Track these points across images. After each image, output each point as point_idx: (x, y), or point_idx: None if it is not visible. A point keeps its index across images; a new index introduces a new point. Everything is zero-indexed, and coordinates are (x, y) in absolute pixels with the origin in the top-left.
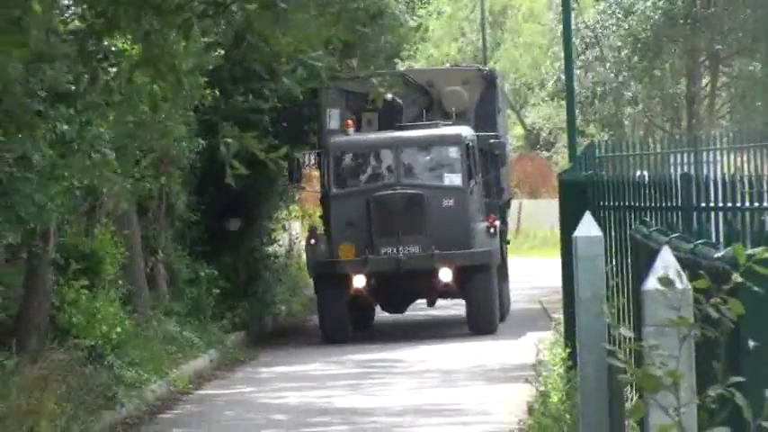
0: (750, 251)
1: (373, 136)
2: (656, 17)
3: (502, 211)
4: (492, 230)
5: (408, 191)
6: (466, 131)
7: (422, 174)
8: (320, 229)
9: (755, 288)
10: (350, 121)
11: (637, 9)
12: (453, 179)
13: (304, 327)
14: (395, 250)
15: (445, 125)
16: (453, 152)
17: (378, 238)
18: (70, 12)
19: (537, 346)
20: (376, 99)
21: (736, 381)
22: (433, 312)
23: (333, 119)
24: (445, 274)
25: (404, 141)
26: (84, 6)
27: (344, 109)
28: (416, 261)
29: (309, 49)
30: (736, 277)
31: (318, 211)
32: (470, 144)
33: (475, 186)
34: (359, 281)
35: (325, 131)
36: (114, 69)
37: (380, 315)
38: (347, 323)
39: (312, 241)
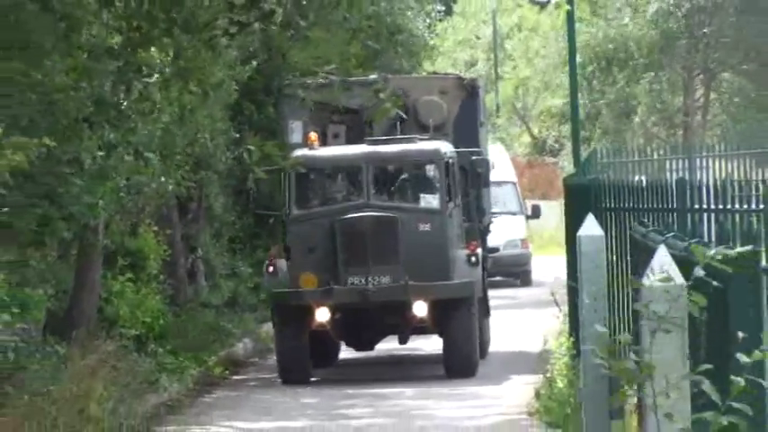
0: (740, 249)
1: (340, 151)
2: (653, 33)
3: (483, 235)
4: (473, 259)
5: (379, 213)
6: (445, 147)
7: (395, 194)
8: (280, 256)
9: (714, 282)
10: (313, 135)
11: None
12: (430, 201)
13: None
14: (363, 280)
15: (422, 140)
16: (431, 170)
17: (344, 266)
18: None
19: (544, 336)
20: (375, 117)
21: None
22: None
23: (295, 132)
24: (420, 308)
25: (375, 158)
26: (122, 22)
27: (308, 121)
28: (387, 293)
29: (326, 65)
30: (698, 271)
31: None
32: (450, 161)
33: (455, 209)
34: (322, 314)
35: (287, 146)
36: (147, 81)
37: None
38: (307, 363)
39: (270, 269)
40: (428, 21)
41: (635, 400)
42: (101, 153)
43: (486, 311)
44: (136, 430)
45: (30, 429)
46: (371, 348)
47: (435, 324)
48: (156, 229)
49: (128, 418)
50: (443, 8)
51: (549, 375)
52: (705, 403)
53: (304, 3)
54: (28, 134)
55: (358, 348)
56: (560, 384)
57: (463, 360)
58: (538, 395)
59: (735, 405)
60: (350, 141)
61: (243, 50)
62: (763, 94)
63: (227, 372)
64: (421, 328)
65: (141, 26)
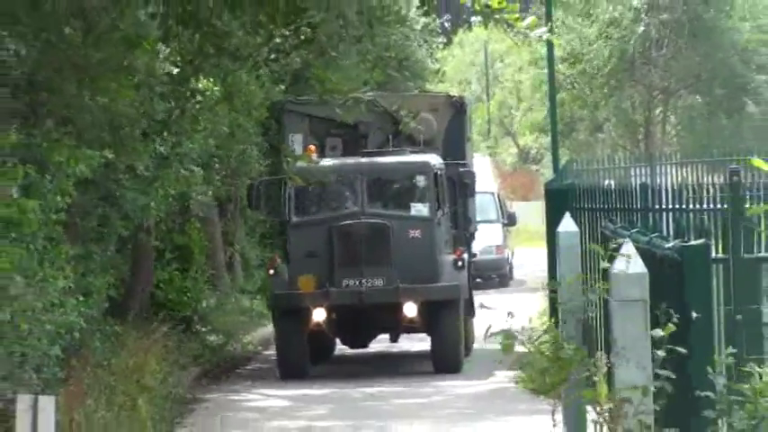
0: (694, 243)
1: (337, 162)
2: (613, 58)
3: (468, 241)
4: (460, 264)
5: (373, 220)
6: (434, 159)
7: (387, 203)
8: (280, 259)
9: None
10: (313, 147)
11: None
12: (420, 209)
13: None
14: (357, 283)
15: (413, 152)
16: (421, 181)
17: (340, 269)
18: (165, 58)
19: (529, 315)
20: (403, 128)
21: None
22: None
23: (295, 144)
24: (410, 309)
25: (369, 169)
26: (177, 57)
27: (307, 134)
28: (380, 295)
29: (353, 88)
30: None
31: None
32: (439, 173)
33: (443, 217)
34: (319, 314)
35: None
36: (198, 106)
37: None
38: (306, 359)
39: (271, 272)
40: (430, 50)
41: (605, 369)
42: (152, 161)
43: (471, 312)
44: (183, 397)
45: (93, 397)
46: (365, 346)
47: (424, 324)
48: (199, 226)
49: (176, 387)
50: (444, 40)
51: (532, 349)
52: (664, 369)
53: (335, 36)
54: (92, 147)
55: (352, 346)
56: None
57: (450, 357)
58: (523, 367)
59: (659, 371)
60: (346, 153)
61: (274, 74)
62: (713, 109)
63: (259, 348)
64: (411, 328)
65: (194, 59)
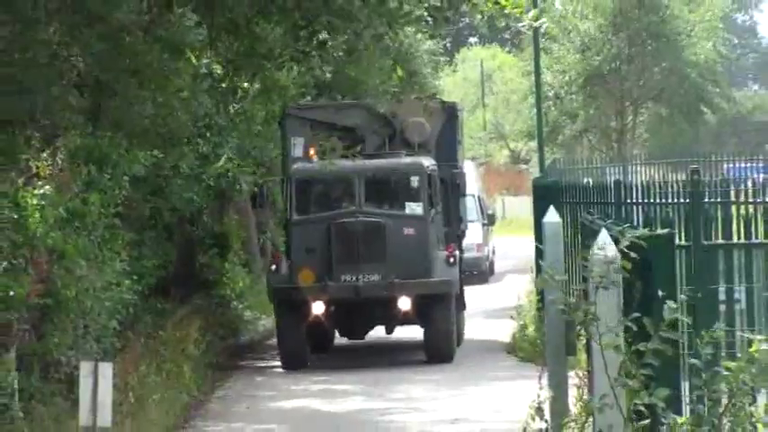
0: (660, 232)
1: (336, 164)
2: (588, 70)
3: (459, 239)
4: (452, 260)
5: (369, 219)
6: (427, 161)
7: (383, 202)
8: (282, 255)
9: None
10: (313, 150)
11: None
12: (414, 208)
13: None
14: (354, 277)
15: (407, 155)
16: (415, 181)
17: (338, 265)
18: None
19: (518, 294)
20: (405, 129)
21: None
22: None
23: (297, 147)
24: (404, 303)
25: (366, 170)
26: (220, 58)
27: (309, 137)
28: (376, 289)
29: (377, 84)
30: (623, 242)
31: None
32: (432, 174)
33: (435, 215)
34: (318, 307)
35: (289, 159)
36: (238, 103)
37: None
38: (306, 349)
39: (273, 267)
40: (435, 65)
41: (584, 341)
42: (196, 162)
43: (461, 306)
44: (222, 364)
45: (144, 364)
46: (362, 337)
47: (418, 316)
48: (236, 217)
49: (216, 356)
50: (448, 59)
51: (522, 323)
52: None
53: (358, 33)
54: (142, 147)
55: (350, 337)
56: (530, 330)
57: (442, 348)
58: (513, 338)
59: (663, 334)
60: (345, 156)
61: (302, 80)
62: (675, 118)
63: None
64: (405, 320)
65: (235, 59)
